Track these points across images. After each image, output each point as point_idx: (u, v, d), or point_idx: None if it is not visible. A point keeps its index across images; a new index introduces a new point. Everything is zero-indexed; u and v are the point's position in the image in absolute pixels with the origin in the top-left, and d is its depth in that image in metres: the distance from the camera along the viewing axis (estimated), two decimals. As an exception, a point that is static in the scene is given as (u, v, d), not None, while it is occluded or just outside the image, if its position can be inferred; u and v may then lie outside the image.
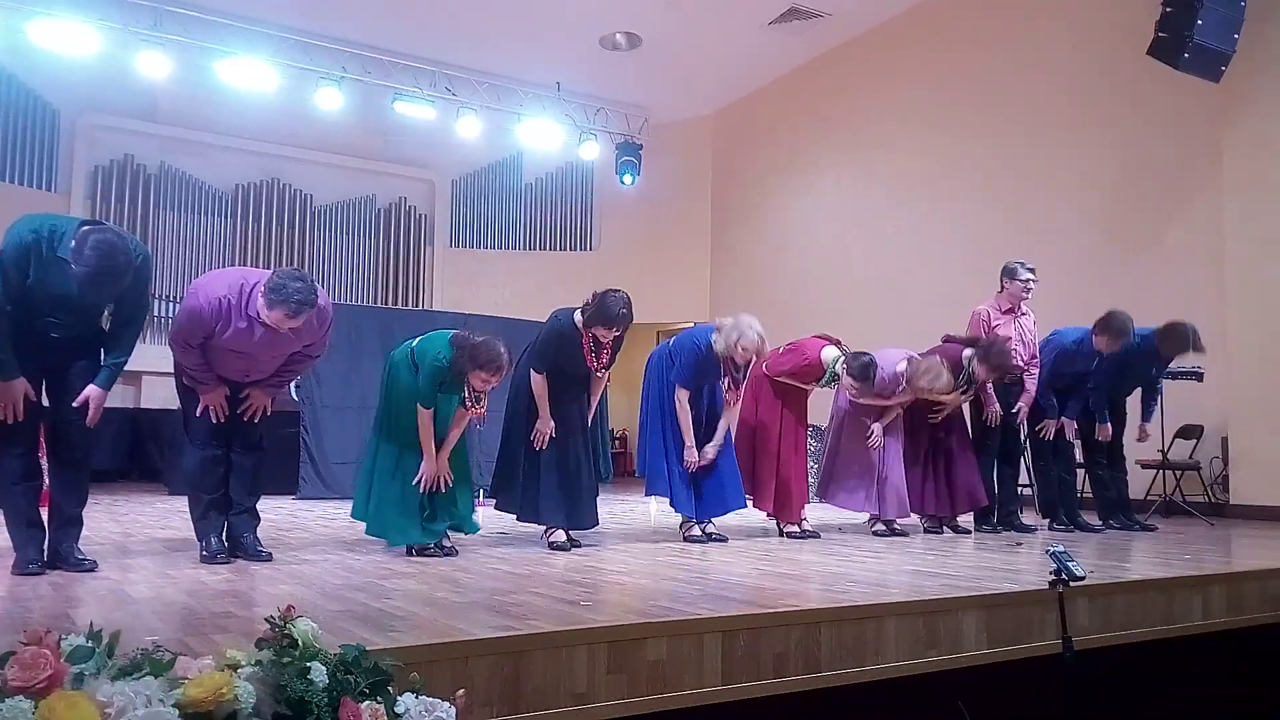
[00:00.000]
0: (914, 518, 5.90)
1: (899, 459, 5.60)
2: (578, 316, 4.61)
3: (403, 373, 4.40)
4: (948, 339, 5.84)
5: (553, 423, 4.59)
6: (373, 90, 10.99)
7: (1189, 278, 7.70)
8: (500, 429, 4.85)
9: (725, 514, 5.16)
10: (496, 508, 4.84)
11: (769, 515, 5.44)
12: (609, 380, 4.87)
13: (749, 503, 5.35)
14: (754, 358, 4.95)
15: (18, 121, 10.88)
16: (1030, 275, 5.94)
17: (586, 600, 2.99)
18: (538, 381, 4.62)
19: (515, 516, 4.77)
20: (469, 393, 4.30)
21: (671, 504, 5.08)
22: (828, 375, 5.26)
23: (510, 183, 13.82)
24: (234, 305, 3.78)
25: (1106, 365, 5.90)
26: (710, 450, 5.02)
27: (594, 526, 4.83)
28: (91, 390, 3.58)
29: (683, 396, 4.99)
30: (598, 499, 4.84)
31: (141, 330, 3.84)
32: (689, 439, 4.97)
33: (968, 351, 5.61)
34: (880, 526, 5.60)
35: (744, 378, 5.08)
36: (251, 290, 3.77)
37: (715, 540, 4.99)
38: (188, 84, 10.60)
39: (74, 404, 3.54)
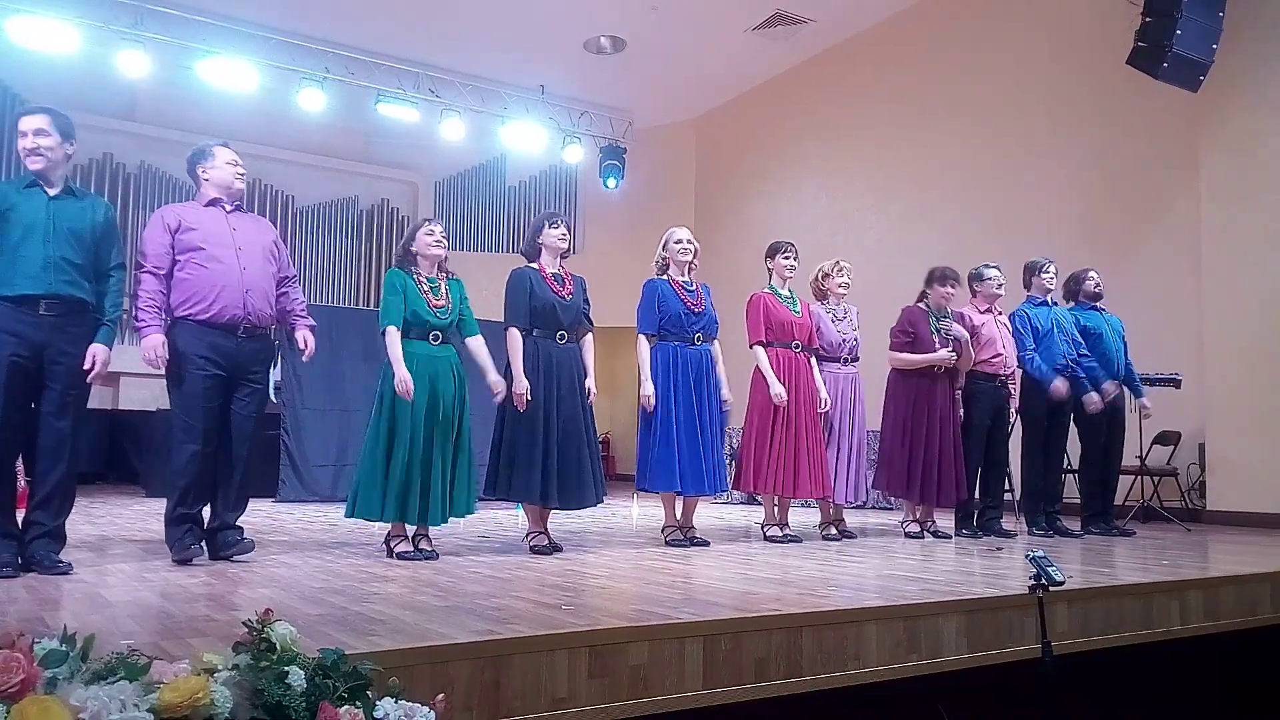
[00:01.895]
0: (896, 522, 5.92)
1: (855, 447, 5.62)
2: (527, 256, 4.88)
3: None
4: (906, 310, 5.95)
5: (526, 382, 4.51)
6: (356, 91, 10.94)
7: (1167, 285, 7.78)
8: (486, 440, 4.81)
9: (710, 494, 5.14)
10: (484, 494, 4.79)
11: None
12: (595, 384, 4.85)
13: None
14: (693, 250, 5.25)
15: (-5, 119, 10.78)
16: (996, 272, 6.04)
17: (568, 604, 2.98)
18: (513, 337, 4.61)
19: (501, 498, 4.74)
20: (426, 282, 4.39)
21: (666, 485, 4.97)
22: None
23: (494, 185, 13.80)
24: (186, 206, 4.15)
25: (1070, 329, 6.14)
26: (725, 394, 5.19)
27: (574, 509, 4.77)
28: (95, 347, 3.64)
29: (643, 343, 5.06)
30: (588, 486, 4.72)
31: (123, 285, 3.84)
32: (645, 375, 4.97)
33: (922, 304, 5.89)
34: (831, 530, 5.64)
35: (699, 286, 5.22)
36: (195, 197, 4.17)
37: (697, 544, 4.99)
38: (168, 83, 10.50)
39: (84, 366, 3.61)
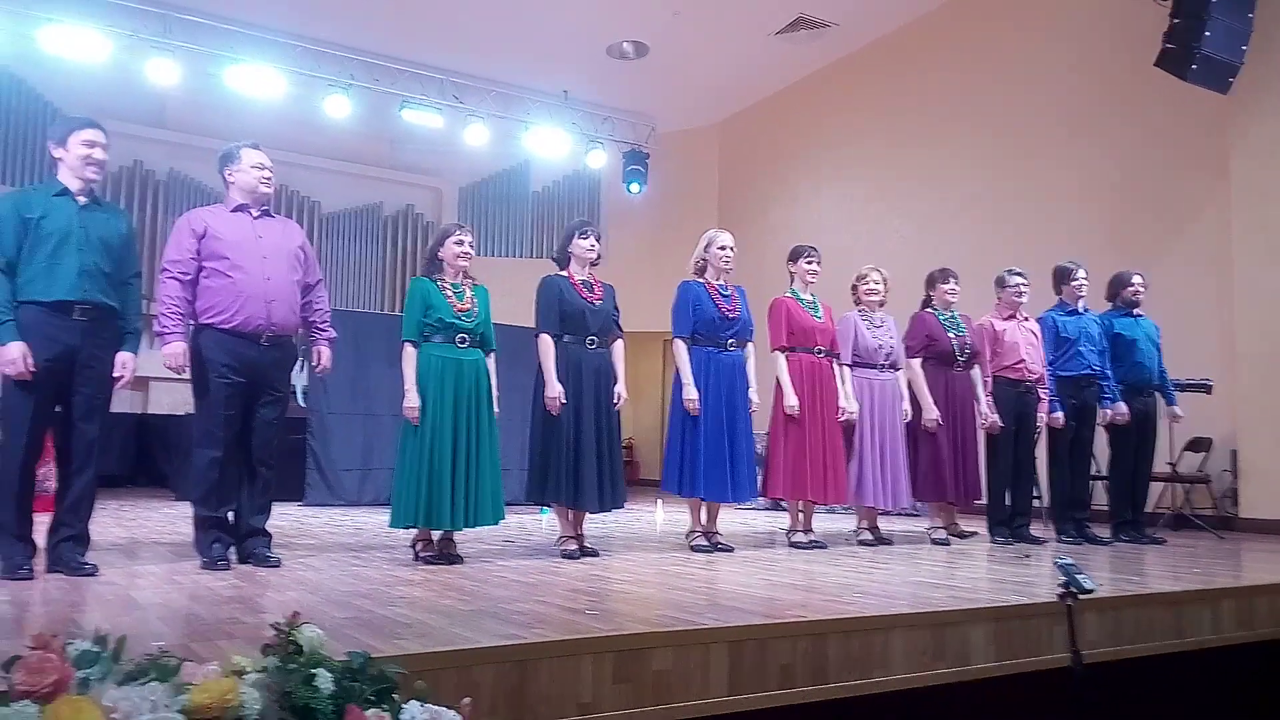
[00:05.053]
0: (923, 529, 5.88)
1: (895, 450, 5.59)
2: (558, 263, 4.89)
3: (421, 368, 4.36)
4: (915, 316, 5.99)
5: (559, 387, 4.54)
6: (380, 98, 11.02)
7: (1195, 290, 7.68)
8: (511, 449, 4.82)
9: (739, 502, 5.11)
10: (527, 499, 4.81)
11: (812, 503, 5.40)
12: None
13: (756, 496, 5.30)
14: (731, 253, 5.20)
15: (27, 127, 10.94)
16: (1020, 279, 5.99)
17: (592, 609, 2.98)
18: (544, 343, 4.63)
19: (535, 501, 4.76)
20: (450, 288, 4.39)
21: (690, 491, 4.97)
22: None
23: (517, 190, 13.85)
24: (213, 211, 4.15)
25: (1099, 339, 6.08)
26: (754, 396, 5.13)
27: (599, 511, 4.74)
28: (124, 355, 3.72)
29: (680, 347, 5.05)
30: (611, 488, 4.71)
31: (139, 293, 3.91)
32: (687, 379, 4.96)
33: (929, 309, 5.97)
34: (867, 535, 5.60)
35: (740, 303, 5.19)
36: (222, 201, 4.20)
37: (721, 550, 4.97)
38: (196, 90, 10.63)
39: (114, 374, 3.69)
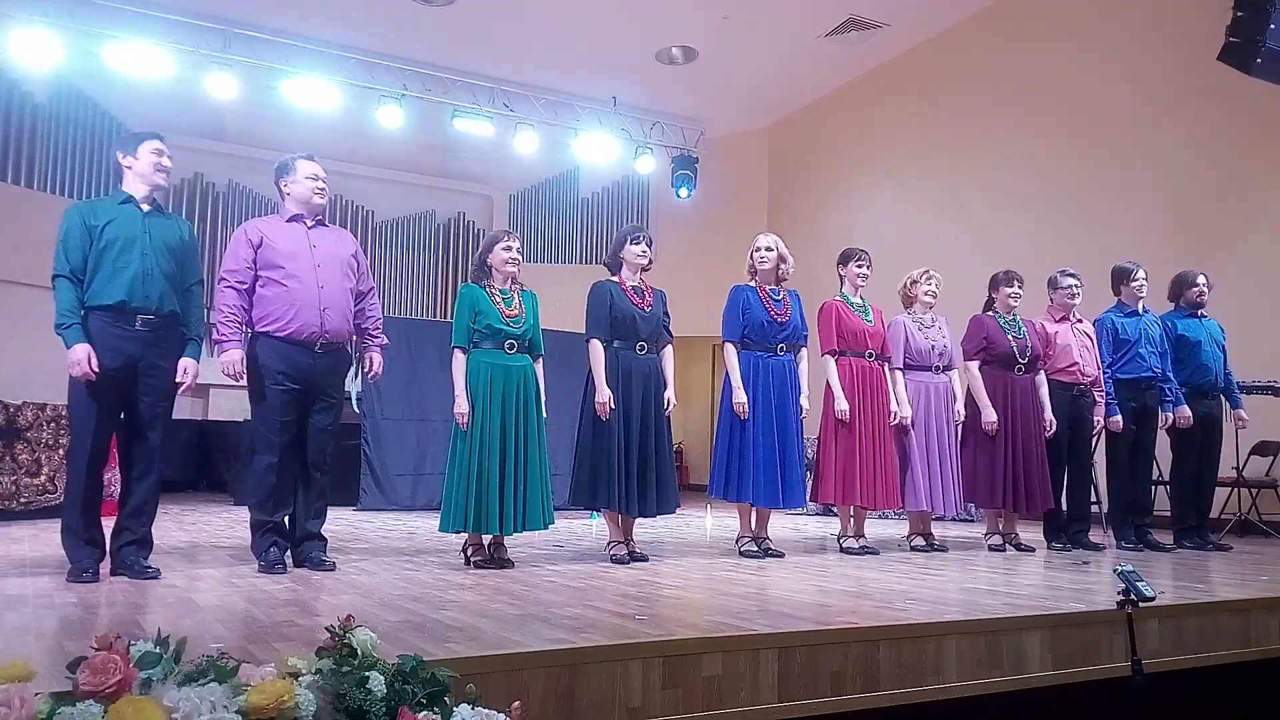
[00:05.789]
0: (978, 535, 5.78)
1: (946, 455, 5.52)
2: (609, 268, 4.89)
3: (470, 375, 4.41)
4: (974, 319, 5.85)
5: (609, 392, 4.55)
6: (432, 107, 11.16)
7: (1261, 291, 7.45)
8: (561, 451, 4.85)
9: (789, 507, 5.08)
10: (567, 503, 4.83)
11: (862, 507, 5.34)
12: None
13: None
14: (777, 256, 5.15)
15: (93, 141, 11.26)
16: (1073, 280, 5.89)
17: (642, 614, 2.98)
18: (595, 348, 4.65)
19: (584, 506, 4.76)
20: (498, 294, 4.44)
21: (738, 495, 4.94)
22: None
23: (567, 197, 13.93)
24: (269, 221, 4.23)
25: (1159, 341, 5.95)
26: (804, 401, 5.11)
27: (645, 516, 4.76)
28: (186, 361, 3.83)
29: (730, 351, 5.03)
30: (662, 493, 4.71)
31: (202, 300, 4.02)
32: (737, 383, 4.94)
33: (990, 312, 5.80)
34: (919, 541, 5.52)
35: (792, 303, 5.16)
36: (277, 212, 4.28)
37: (772, 555, 4.94)
38: (254, 104, 10.86)
39: (176, 379, 3.80)
